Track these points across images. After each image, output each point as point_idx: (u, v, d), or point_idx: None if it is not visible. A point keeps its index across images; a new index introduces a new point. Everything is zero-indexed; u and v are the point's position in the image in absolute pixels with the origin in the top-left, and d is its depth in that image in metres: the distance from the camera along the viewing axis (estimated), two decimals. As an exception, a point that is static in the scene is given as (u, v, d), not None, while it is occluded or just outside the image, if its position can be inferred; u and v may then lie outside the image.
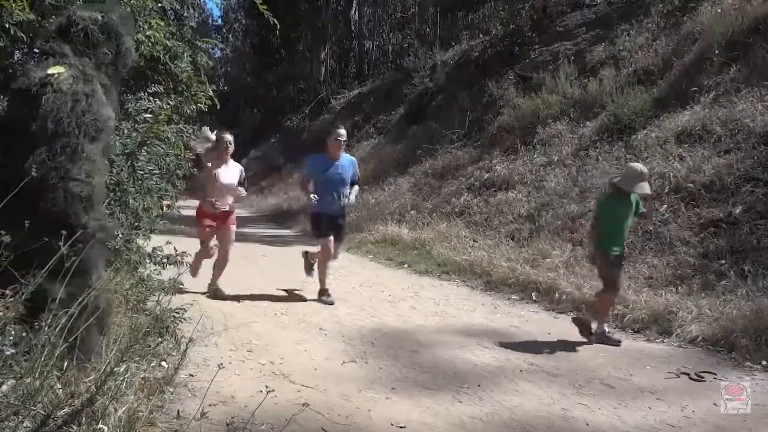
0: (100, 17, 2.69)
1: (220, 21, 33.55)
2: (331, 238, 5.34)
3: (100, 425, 1.97)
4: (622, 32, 9.96)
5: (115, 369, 2.13)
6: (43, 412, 1.85)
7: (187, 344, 2.49)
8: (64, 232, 2.00)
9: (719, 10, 8.15)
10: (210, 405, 2.75)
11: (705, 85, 7.32)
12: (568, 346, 4.21)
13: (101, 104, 2.54)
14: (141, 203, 3.76)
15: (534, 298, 5.58)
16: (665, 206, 5.99)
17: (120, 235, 3.73)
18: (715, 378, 3.52)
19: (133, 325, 2.95)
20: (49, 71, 2.46)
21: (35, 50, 3.68)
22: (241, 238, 8.78)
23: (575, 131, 8.72)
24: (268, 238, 10.42)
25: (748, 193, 5.52)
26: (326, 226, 5.33)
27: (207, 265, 5.47)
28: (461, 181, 9.76)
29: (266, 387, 3.28)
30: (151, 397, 2.37)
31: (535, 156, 8.82)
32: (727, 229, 5.28)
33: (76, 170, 2.42)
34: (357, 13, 25.11)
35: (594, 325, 4.31)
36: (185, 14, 4.58)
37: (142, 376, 2.61)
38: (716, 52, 7.51)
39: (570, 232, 6.65)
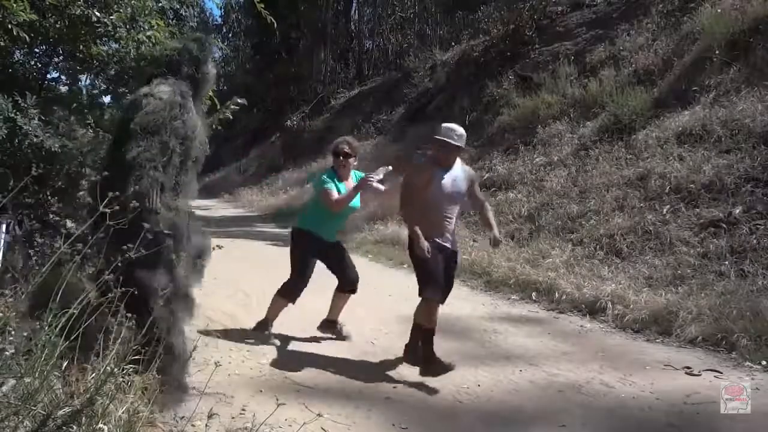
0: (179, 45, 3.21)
1: (220, 21, 33.55)
2: None
3: (100, 425, 1.97)
4: (622, 32, 9.96)
5: (116, 369, 2.13)
6: (43, 412, 1.85)
7: (193, 348, 2.51)
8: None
9: (719, 10, 8.15)
10: (210, 405, 2.75)
11: (705, 85, 7.32)
12: (568, 347, 4.21)
13: (190, 112, 2.99)
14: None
15: (534, 298, 5.58)
16: (666, 206, 6.00)
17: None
18: (716, 377, 3.52)
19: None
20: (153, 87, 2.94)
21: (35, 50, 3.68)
22: (242, 237, 8.81)
23: (575, 131, 8.72)
24: (269, 237, 10.41)
25: (748, 193, 5.52)
26: None
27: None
28: (461, 181, 9.74)
29: (266, 387, 3.30)
30: (151, 398, 2.37)
31: (535, 156, 8.82)
32: (727, 229, 5.28)
33: (160, 161, 2.81)
34: (357, 13, 25.14)
35: None
36: (184, 13, 4.59)
37: (142, 376, 2.60)
38: (716, 52, 7.51)
39: None
